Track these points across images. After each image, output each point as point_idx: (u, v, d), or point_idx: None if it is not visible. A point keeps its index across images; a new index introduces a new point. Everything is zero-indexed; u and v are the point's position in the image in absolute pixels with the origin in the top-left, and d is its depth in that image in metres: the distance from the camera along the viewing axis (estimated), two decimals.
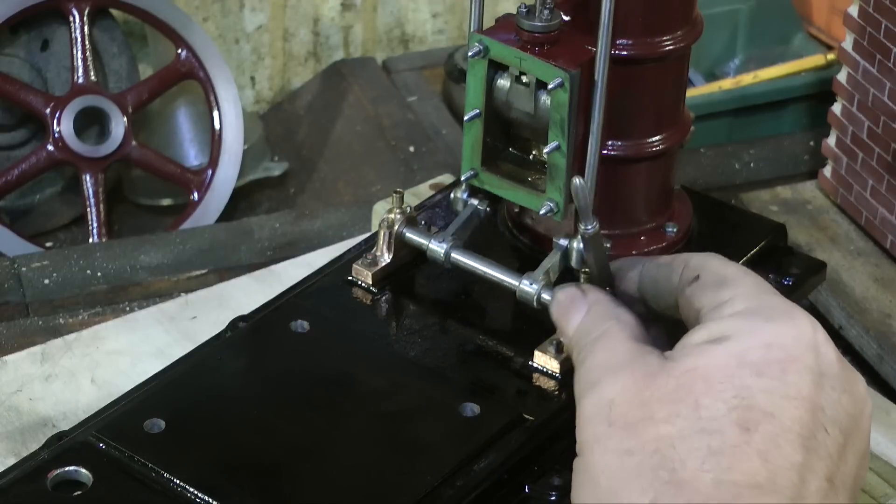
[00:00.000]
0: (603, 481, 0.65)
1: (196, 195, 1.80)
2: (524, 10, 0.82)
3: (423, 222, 0.90)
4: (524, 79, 0.83)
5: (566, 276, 0.84)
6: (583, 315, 0.74)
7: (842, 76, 1.26)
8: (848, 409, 0.65)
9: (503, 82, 0.84)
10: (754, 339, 0.65)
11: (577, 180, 0.74)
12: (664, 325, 0.74)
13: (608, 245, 0.79)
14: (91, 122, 1.78)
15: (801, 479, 0.62)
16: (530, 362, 0.82)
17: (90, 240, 1.75)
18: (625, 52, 0.83)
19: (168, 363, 0.83)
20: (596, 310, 0.73)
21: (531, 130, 0.85)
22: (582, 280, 0.80)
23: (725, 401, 0.63)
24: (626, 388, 0.66)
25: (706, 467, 0.62)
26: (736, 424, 0.63)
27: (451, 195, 0.90)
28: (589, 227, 0.77)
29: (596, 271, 0.78)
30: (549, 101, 0.82)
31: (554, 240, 0.85)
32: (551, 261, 0.84)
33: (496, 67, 0.84)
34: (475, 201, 0.89)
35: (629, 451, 0.64)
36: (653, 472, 0.63)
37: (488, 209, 0.90)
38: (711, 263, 0.71)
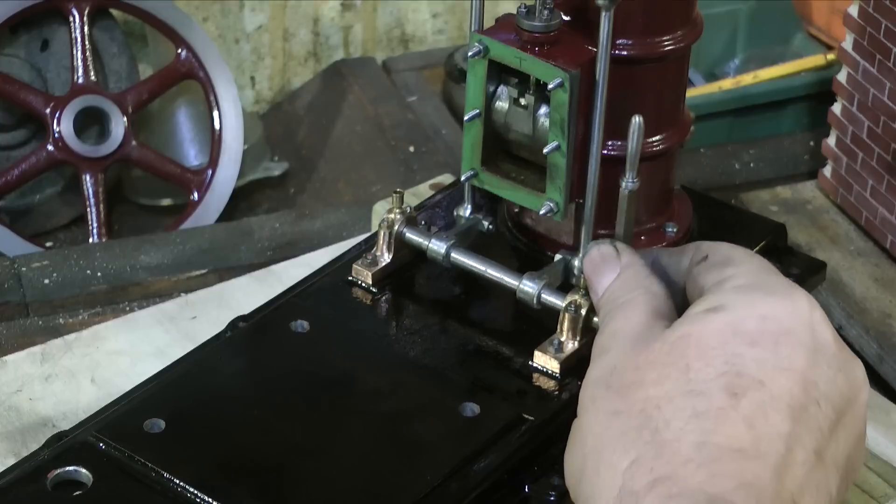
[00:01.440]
0: (590, 440, 0.65)
1: (196, 195, 1.80)
2: (524, 10, 0.82)
3: (423, 222, 0.90)
4: (522, 101, 0.84)
5: (566, 284, 0.85)
6: (614, 277, 0.74)
7: (842, 76, 1.26)
8: (843, 389, 0.65)
9: (501, 104, 0.85)
10: (751, 310, 0.65)
11: (636, 118, 0.74)
12: (679, 297, 0.74)
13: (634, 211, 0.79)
14: (91, 122, 1.78)
15: (788, 448, 0.62)
16: (530, 362, 0.82)
17: (90, 240, 1.75)
18: (625, 52, 0.83)
19: (168, 363, 0.83)
20: (627, 275, 0.74)
21: (530, 151, 0.86)
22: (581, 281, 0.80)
23: (716, 366, 0.63)
24: (626, 355, 0.67)
25: (689, 428, 0.62)
26: (724, 389, 0.63)
27: (454, 212, 0.90)
28: (631, 180, 0.76)
29: (622, 230, 0.78)
30: (547, 124, 0.82)
31: (558, 254, 0.85)
32: (553, 268, 0.85)
33: (496, 85, 0.84)
34: (479, 216, 0.90)
35: (617, 412, 0.64)
36: (636, 432, 0.63)
37: (491, 227, 0.90)
38: (721, 246, 0.72)
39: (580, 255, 0.84)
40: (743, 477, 0.60)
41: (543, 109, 0.83)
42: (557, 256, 0.86)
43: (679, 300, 0.73)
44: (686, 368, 0.64)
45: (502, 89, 0.85)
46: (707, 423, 0.62)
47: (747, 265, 0.69)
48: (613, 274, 0.74)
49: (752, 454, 0.61)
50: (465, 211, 0.90)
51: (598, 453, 0.64)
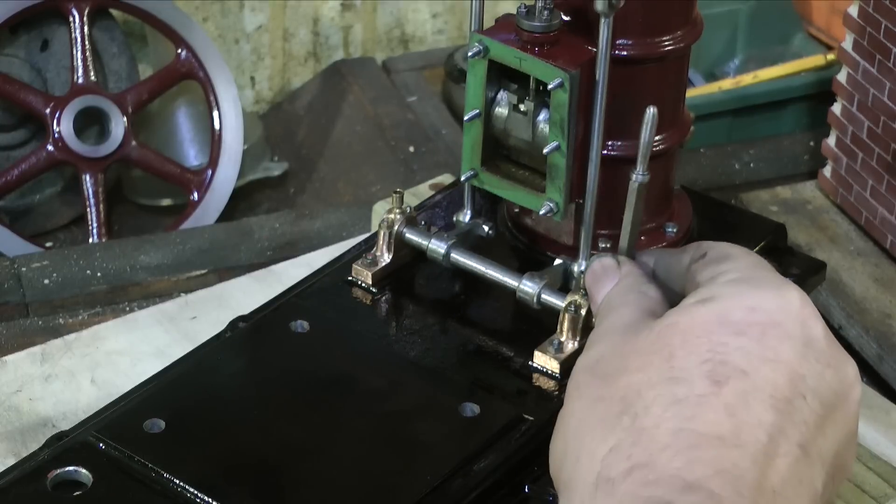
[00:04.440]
0: (572, 427, 0.65)
1: (196, 195, 1.80)
2: (524, 11, 0.82)
3: (423, 222, 0.90)
4: (522, 107, 0.84)
5: (566, 286, 0.85)
6: (612, 286, 0.74)
7: (842, 76, 1.26)
8: (832, 385, 0.65)
9: (501, 110, 0.85)
10: (739, 301, 0.65)
11: (651, 109, 0.74)
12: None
13: (608, 245, 0.79)
14: (91, 122, 1.78)
15: (770, 438, 0.61)
16: (530, 362, 0.82)
17: (90, 240, 1.75)
18: (625, 52, 0.83)
19: (168, 363, 0.83)
20: (625, 282, 0.74)
21: (529, 157, 0.86)
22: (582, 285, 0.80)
23: (699, 354, 0.63)
24: (614, 345, 0.67)
25: (667, 415, 0.62)
26: (706, 377, 0.62)
27: (454, 218, 0.90)
28: (641, 173, 0.76)
29: (629, 224, 0.78)
30: (546, 130, 0.82)
31: (557, 259, 0.85)
32: (554, 270, 0.85)
33: (495, 91, 0.84)
34: (479, 221, 0.90)
35: (600, 398, 0.64)
36: (616, 419, 0.63)
37: (491, 232, 0.90)
38: (719, 244, 0.72)
39: (580, 258, 0.84)
40: (721, 464, 0.60)
41: (543, 115, 0.83)
42: (557, 261, 0.86)
43: (678, 300, 0.73)
44: (669, 356, 0.64)
45: (502, 94, 0.85)
46: (686, 409, 0.61)
47: (742, 261, 0.69)
48: (612, 283, 0.75)
49: (731, 442, 0.61)
50: (465, 216, 0.90)
51: (579, 440, 0.64)
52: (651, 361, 0.64)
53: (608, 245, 0.80)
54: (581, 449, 0.64)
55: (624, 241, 0.78)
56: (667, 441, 0.61)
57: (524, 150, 0.85)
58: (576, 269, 0.84)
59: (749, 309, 0.65)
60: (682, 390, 0.62)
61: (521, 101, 0.84)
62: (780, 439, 0.62)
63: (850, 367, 0.67)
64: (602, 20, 0.77)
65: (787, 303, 0.66)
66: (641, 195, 0.77)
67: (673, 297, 0.73)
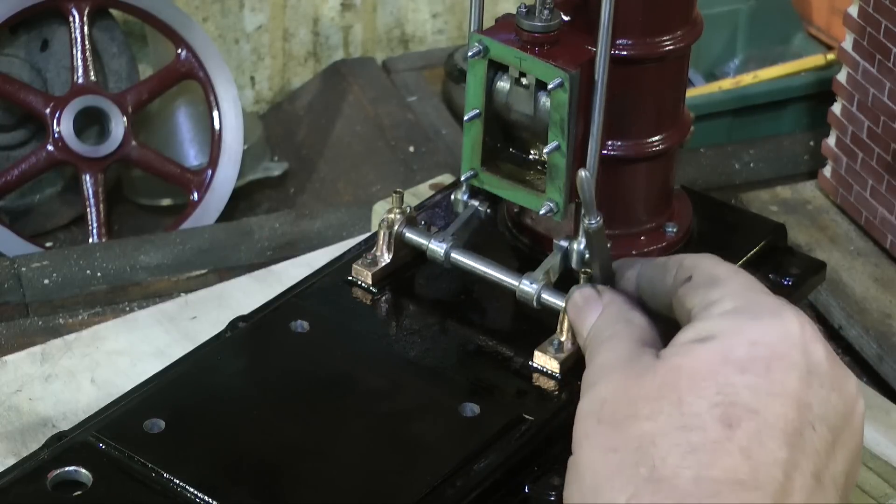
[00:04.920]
0: (588, 478, 0.65)
1: (196, 195, 1.80)
2: (524, 10, 0.82)
3: (423, 222, 0.90)
4: (524, 81, 0.83)
5: (566, 276, 0.84)
6: (597, 316, 0.74)
7: (842, 76, 1.26)
8: (837, 408, 0.65)
9: (503, 84, 0.84)
10: (739, 337, 0.65)
11: (582, 172, 0.74)
12: (661, 325, 0.74)
13: (608, 245, 0.79)
14: (91, 122, 1.78)
15: (786, 475, 0.62)
16: (530, 362, 0.82)
17: (90, 240, 1.75)
18: (625, 52, 0.83)
19: (168, 363, 0.83)
20: (609, 311, 0.74)
21: (531, 132, 0.85)
22: (582, 280, 0.80)
23: (708, 398, 0.63)
24: (617, 387, 0.67)
25: (686, 464, 0.62)
26: (718, 421, 0.62)
27: (452, 196, 0.90)
28: (593, 221, 0.76)
29: (598, 267, 0.78)
30: (548, 104, 0.82)
31: (555, 241, 0.85)
32: (552, 261, 0.84)
33: (496, 69, 0.84)
34: (475, 202, 0.89)
35: (613, 448, 0.64)
36: (633, 469, 0.63)
37: (488, 211, 0.90)
38: (704, 263, 0.71)
39: (578, 238, 0.84)
40: None
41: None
42: (555, 246, 0.85)
43: (667, 312, 0.73)
44: (679, 402, 0.64)
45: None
46: (704, 456, 0.62)
47: (733, 285, 0.69)
48: (596, 313, 0.74)
49: (751, 485, 0.61)
50: (463, 195, 0.89)
51: (597, 491, 0.64)
52: (661, 408, 0.64)
53: (608, 245, 0.80)
54: (598, 499, 0.64)
55: (598, 279, 0.78)
56: (689, 490, 0.61)
57: (526, 125, 0.85)
58: (575, 247, 0.84)
59: (750, 343, 0.65)
60: (697, 437, 0.62)
61: (523, 74, 0.83)
62: (795, 474, 0.62)
63: (852, 383, 0.67)
64: (602, 19, 0.77)
65: (787, 330, 0.65)
66: (602, 236, 0.77)
67: (659, 317, 0.73)
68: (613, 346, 0.70)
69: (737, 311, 0.66)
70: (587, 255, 0.83)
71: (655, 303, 0.74)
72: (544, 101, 0.83)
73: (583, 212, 0.77)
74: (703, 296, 0.69)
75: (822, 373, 0.65)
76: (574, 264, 0.83)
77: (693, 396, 0.63)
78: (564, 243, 0.84)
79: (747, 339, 0.65)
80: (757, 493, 0.61)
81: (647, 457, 0.63)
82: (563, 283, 0.84)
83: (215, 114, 1.81)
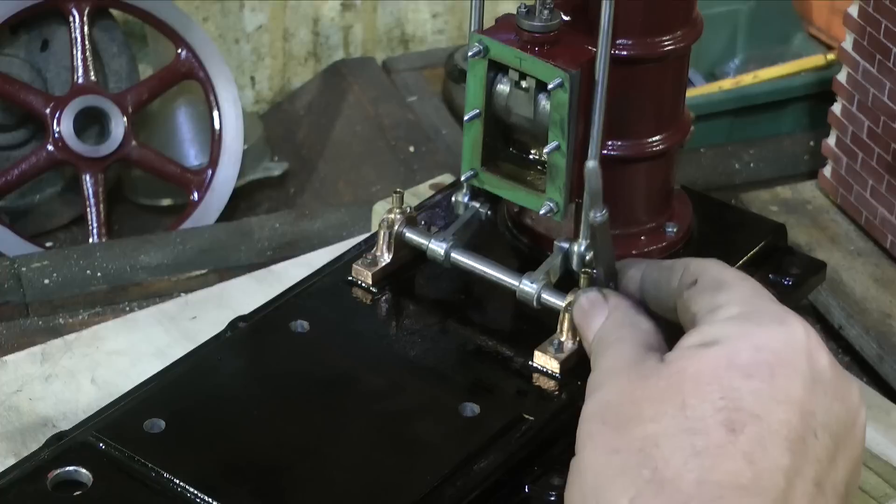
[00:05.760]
0: (589, 478, 0.65)
1: (196, 195, 1.80)
2: (524, 10, 0.82)
3: (423, 222, 0.90)
4: (524, 84, 0.83)
5: (566, 276, 0.84)
6: (603, 320, 0.74)
7: (842, 76, 1.26)
8: (840, 416, 0.65)
9: (503, 87, 0.85)
10: (744, 342, 0.65)
11: (590, 163, 0.74)
12: (666, 329, 0.74)
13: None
14: (91, 122, 1.78)
15: (788, 481, 0.62)
16: (530, 362, 0.82)
17: (90, 240, 1.75)
18: (625, 52, 0.83)
19: (168, 363, 0.83)
20: (615, 315, 0.74)
21: (531, 135, 0.85)
22: (582, 282, 0.80)
23: (712, 402, 0.63)
24: (621, 389, 0.67)
25: (689, 467, 0.62)
26: (722, 425, 0.63)
27: (452, 198, 0.90)
28: (598, 214, 0.76)
29: (602, 262, 0.78)
30: (548, 106, 0.82)
31: (556, 242, 0.85)
32: (552, 262, 0.84)
33: (496, 70, 0.84)
34: (476, 204, 0.89)
35: (616, 450, 0.64)
36: (635, 471, 0.63)
37: (489, 213, 0.90)
38: (710, 268, 0.71)
39: (579, 239, 0.84)
40: None
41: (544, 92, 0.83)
42: (556, 247, 0.85)
43: (670, 315, 0.73)
44: (682, 405, 0.64)
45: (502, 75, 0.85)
46: (707, 460, 0.62)
47: (739, 291, 0.69)
48: (602, 317, 0.74)
49: (753, 490, 0.61)
50: (464, 197, 0.89)
51: (598, 492, 0.64)
52: (665, 411, 0.64)
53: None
54: (600, 500, 0.64)
55: (601, 275, 0.78)
56: (691, 492, 0.61)
57: (525, 128, 0.85)
58: (575, 249, 0.84)
59: (755, 348, 0.65)
60: (700, 441, 0.62)
61: (522, 77, 0.83)
62: (797, 481, 0.62)
63: (855, 391, 0.67)
64: (602, 19, 0.77)
65: (791, 337, 0.66)
66: (606, 230, 0.77)
67: (665, 321, 0.73)
68: (619, 349, 0.70)
69: (742, 317, 0.67)
70: (588, 256, 0.83)
71: (659, 305, 0.74)
72: (544, 104, 0.83)
73: (589, 204, 0.77)
74: (709, 300, 0.69)
75: (826, 381, 0.65)
76: (574, 266, 0.83)
77: (697, 400, 0.64)
78: (565, 244, 0.84)
79: (752, 344, 0.65)
80: (759, 499, 0.61)
81: (650, 459, 0.63)
82: (564, 283, 0.84)
83: (215, 114, 1.81)
